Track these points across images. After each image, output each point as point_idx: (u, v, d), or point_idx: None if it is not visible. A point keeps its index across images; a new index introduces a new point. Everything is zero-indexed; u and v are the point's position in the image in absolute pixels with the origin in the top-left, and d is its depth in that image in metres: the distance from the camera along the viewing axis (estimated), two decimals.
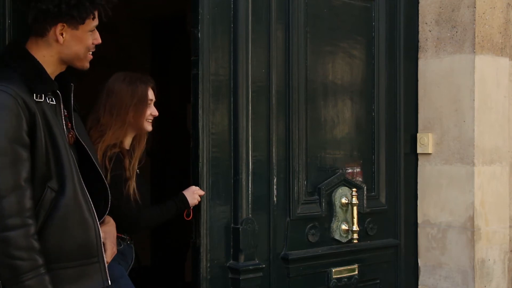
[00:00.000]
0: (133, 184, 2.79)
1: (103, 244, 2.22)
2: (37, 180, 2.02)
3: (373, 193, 3.45)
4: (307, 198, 3.18)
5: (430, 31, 3.59)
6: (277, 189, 3.05)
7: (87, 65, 2.24)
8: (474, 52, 3.42)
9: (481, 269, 3.44)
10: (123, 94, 2.81)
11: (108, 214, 2.33)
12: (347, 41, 3.36)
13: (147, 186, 3.34)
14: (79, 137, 2.23)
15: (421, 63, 3.63)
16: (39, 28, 2.13)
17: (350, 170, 3.36)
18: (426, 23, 3.60)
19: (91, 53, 2.24)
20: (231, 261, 2.91)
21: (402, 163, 3.57)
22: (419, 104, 3.63)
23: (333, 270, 3.25)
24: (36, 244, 1.96)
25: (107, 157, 2.73)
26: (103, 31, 2.30)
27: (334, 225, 3.26)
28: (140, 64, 6.02)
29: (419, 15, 3.63)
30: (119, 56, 5.40)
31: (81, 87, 2.50)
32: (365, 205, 3.36)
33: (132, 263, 2.96)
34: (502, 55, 3.55)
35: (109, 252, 2.31)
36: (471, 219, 3.42)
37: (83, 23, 2.15)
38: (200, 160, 2.83)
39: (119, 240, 2.82)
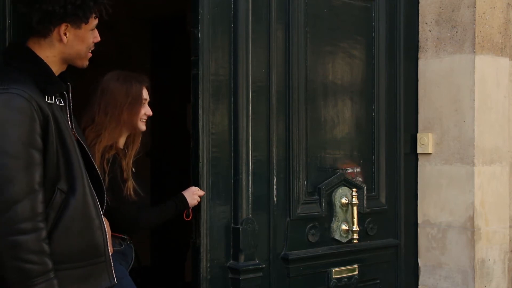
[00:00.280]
0: (131, 184, 2.79)
1: None
2: (48, 182, 2.03)
3: (373, 193, 3.45)
4: (307, 198, 3.18)
5: (430, 31, 3.59)
6: (277, 189, 3.05)
7: (86, 63, 2.25)
8: (474, 52, 3.42)
9: (481, 269, 3.44)
10: (118, 93, 2.80)
11: (107, 215, 2.33)
12: (347, 41, 3.36)
13: (147, 186, 3.35)
14: (79, 138, 2.23)
15: (421, 63, 3.63)
16: (42, 29, 2.12)
17: (350, 170, 3.36)
18: (426, 23, 3.60)
19: (90, 51, 2.25)
20: (231, 261, 2.91)
21: (402, 163, 3.57)
22: (419, 104, 3.63)
23: (333, 270, 3.25)
24: (47, 248, 1.97)
25: (105, 159, 2.73)
26: (103, 31, 2.31)
27: (334, 225, 3.26)
28: (140, 64, 6.02)
29: (419, 15, 3.63)
30: (119, 55, 5.40)
31: (81, 87, 2.50)
32: (365, 205, 3.36)
33: (132, 263, 2.97)
34: (502, 55, 3.55)
35: None
36: (471, 219, 3.42)
37: (87, 22, 2.16)
38: (200, 160, 2.83)
39: (120, 240, 2.82)
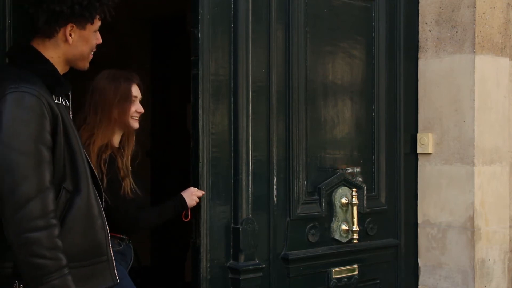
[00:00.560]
0: (129, 183, 2.80)
1: None
2: (54, 181, 2.04)
3: (373, 193, 3.45)
4: (307, 198, 3.18)
5: (430, 31, 3.59)
6: (277, 189, 3.05)
7: (87, 65, 2.27)
8: (474, 52, 3.42)
9: (481, 269, 3.44)
10: (107, 92, 2.81)
11: (106, 215, 2.33)
12: (347, 41, 3.36)
13: (147, 186, 3.35)
14: (77, 138, 2.24)
15: (421, 63, 3.63)
16: (48, 29, 2.14)
17: (350, 170, 3.36)
18: (426, 23, 3.60)
19: (92, 53, 2.27)
20: (231, 261, 2.91)
21: (402, 163, 3.57)
22: (419, 104, 3.63)
23: (333, 270, 3.25)
24: (60, 244, 1.98)
25: (102, 159, 2.73)
26: (103, 31, 2.31)
27: (334, 225, 3.26)
28: (140, 64, 6.02)
29: (419, 15, 3.63)
30: (119, 56, 5.40)
31: (81, 87, 2.50)
32: (365, 205, 3.36)
33: (131, 263, 2.97)
34: (502, 55, 3.55)
35: None
36: (471, 219, 3.42)
37: (93, 23, 2.18)
38: (200, 160, 2.83)
39: (118, 240, 2.83)
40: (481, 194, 3.45)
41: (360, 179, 3.39)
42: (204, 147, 2.84)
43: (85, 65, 2.25)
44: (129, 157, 2.88)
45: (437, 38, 3.56)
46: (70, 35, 2.16)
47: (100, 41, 2.26)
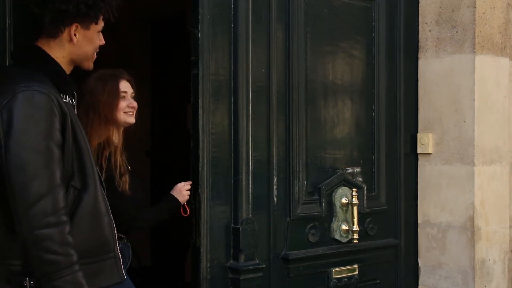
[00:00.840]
0: (126, 180, 2.83)
1: None
2: (64, 179, 2.07)
3: (373, 193, 3.45)
4: (307, 198, 3.18)
5: (430, 31, 3.59)
6: (277, 189, 3.05)
7: (92, 65, 2.31)
8: (474, 52, 3.42)
9: (481, 269, 3.44)
10: (95, 92, 2.85)
11: None
12: (347, 41, 3.36)
13: (147, 186, 3.35)
14: (84, 136, 2.27)
15: (421, 63, 3.63)
16: (53, 29, 2.17)
17: (350, 170, 3.36)
18: (426, 23, 3.60)
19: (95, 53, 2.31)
20: (231, 261, 2.91)
21: (402, 163, 3.57)
22: (419, 104, 3.63)
23: (333, 270, 3.25)
24: (71, 241, 2.01)
25: (103, 157, 2.76)
26: (103, 31, 2.32)
27: (334, 225, 3.26)
28: (140, 64, 6.02)
29: (419, 15, 3.63)
30: (119, 56, 5.40)
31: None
32: (365, 205, 3.36)
33: (130, 262, 2.98)
34: (502, 55, 3.55)
35: None
36: (471, 219, 3.42)
37: (97, 23, 2.22)
38: (200, 160, 2.83)
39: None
40: (481, 194, 3.45)
41: (360, 179, 3.39)
42: (204, 147, 2.84)
43: (89, 65, 2.29)
44: (119, 152, 2.89)
45: (437, 38, 3.56)
46: (75, 35, 2.19)
47: (103, 42, 2.29)
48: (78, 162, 2.12)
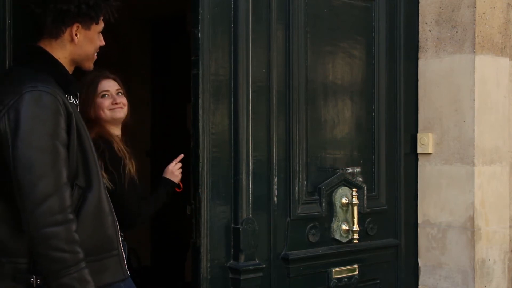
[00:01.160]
0: (134, 164, 2.93)
1: None
2: (69, 178, 2.10)
3: (373, 193, 3.45)
4: (307, 198, 3.18)
5: (430, 31, 3.59)
6: (277, 189, 3.05)
7: (92, 65, 2.33)
8: (474, 52, 3.42)
9: (481, 269, 3.44)
10: (82, 96, 2.88)
11: None
12: (347, 41, 3.36)
13: (147, 186, 3.36)
14: (88, 135, 2.30)
15: (421, 63, 3.63)
16: (54, 29, 2.19)
17: (350, 170, 3.36)
18: (426, 23, 3.60)
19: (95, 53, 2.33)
20: (231, 261, 2.91)
21: (402, 163, 3.56)
22: (419, 104, 3.63)
23: (333, 270, 3.25)
24: (78, 239, 2.04)
25: (99, 151, 2.80)
26: (103, 31, 2.32)
27: (334, 225, 3.26)
28: (140, 64, 6.02)
29: (419, 15, 3.63)
30: (119, 56, 5.40)
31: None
32: (365, 205, 3.36)
33: (126, 259, 2.99)
34: (502, 55, 3.55)
35: None
36: (471, 219, 3.43)
37: (98, 23, 2.24)
38: (200, 160, 2.83)
39: None
40: (481, 194, 3.45)
41: (360, 179, 3.39)
42: (204, 147, 2.84)
43: (90, 65, 2.31)
44: (123, 141, 2.99)
45: (437, 38, 3.56)
46: (76, 35, 2.21)
47: (103, 43, 2.31)
48: (83, 161, 2.15)
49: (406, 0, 3.57)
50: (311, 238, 3.18)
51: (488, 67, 3.47)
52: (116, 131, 2.99)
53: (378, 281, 3.47)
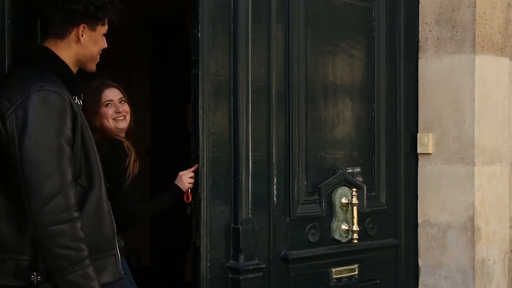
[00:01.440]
0: (138, 165, 2.95)
1: None
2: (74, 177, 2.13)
3: (373, 193, 3.45)
4: (307, 198, 3.18)
5: (430, 31, 3.59)
6: (277, 189, 3.05)
7: (95, 67, 2.35)
8: (474, 52, 3.42)
9: (481, 269, 3.44)
10: (87, 104, 2.89)
11: None
12: (347, 41, 3.36)
13: (147, 186, 3.36)
14: (91, 136, 2.32)
15: (421, 63, 3.63)
16: (61, 29, 2.22)
17: (350, 170, 3.35)
18: (426, 23, 3.60)
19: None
20: (231, 261, 2.91)
21: (402, 163, 3.56)
22: (419, 104, 3.63)
23: (333, 270, 3.25)
24: (83, 236, 2.07)
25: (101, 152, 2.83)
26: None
27: (334, 225, 3.26)
28: (140, 64, 6.02)
29: (419, 15, 3.63)
30: (120, 56, 5.40)
31: None
32: (365, 205, 3.36)
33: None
34: (502, 55, 3.55)
35: None
36: (471, 219, 3.42)
37: (103, 24, 2.28)
38: (200, 160, 2.83)
39: None
40: (481, 194, 3.44)
41: (360, 179, 3.39)
42: (204, 147, 2.84)
43: (93, 67, 2.34)
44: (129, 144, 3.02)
45: (437, 38, 3.56)
46: (82, 35, 2.23)
47: (106, 45, 2.34)
48: (85, 161, 2.17)
49: (406, 0, 3.57)
50: (311, 238, 3.18)
51: (488, 67, 3.47)
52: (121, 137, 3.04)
53: (378, 281, 3.47)
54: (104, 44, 2.33)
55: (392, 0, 3.52)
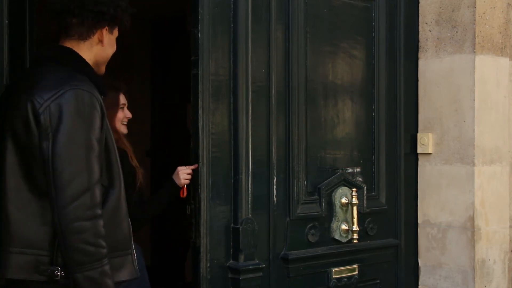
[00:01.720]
0: (142, 172, 3.05)
1: None
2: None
3: (373, 193, 3.45)
4: (307, 198, 3.18)
5: (430, 31, 3.59)
6: (277, 189, 3.05)
7: (104, 70, 2.41)
8: (474, 52, 3.42)
9: (481, 269, 3.44)
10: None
11: None
12: (347, 41, 3.36)
13: (147, 185, 3.36)
14: (112, 136, 2.37)
15: (421, 63, 3.63)
16: (85, 31, 2.26)
17: (350, 170, 3.35)
18: (426, 23, 3.60)
19: None
20: (231, 261, 2.91)
21: (402, 163, 3.56)
22: (419, 104, 3.63)
23: (333, 270, 3.25)
24: (104, 234, 2.12)
25: None
26: None
27: (334, 225, 3.26)
28: (140, 64, 6.03)
29: (419, 15, 3.63)
30: (119, 56, 5.39)
31: None
32: (365, 205, 3.36)
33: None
34: (502, 55, 3.55)
35: None
36: (471, 219, 3.42)
37: (122, 28, 2.34)
38: (200, 160, 2.83)
39: None
40: (481, 194, 3.44)
41: (360, 179, 3.39)
42: (204, 147, 2.84)
43: (103, 69, 2.39)
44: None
45: (437, 38, 3.56)
46: (104, 37, 2.29)
47: (115, 48, 2.39)
48: (106, 160, 2.21)
49: (406, 0, 3.57)
50: (310, 238, 3.18)
51: (488, 67, 3.47)
52: (126, 142, 3.11)
53: (378, 281, 3.47)
54: (115, 47, 2.38)
55: (392, 0, 3.52)
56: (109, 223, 2.17)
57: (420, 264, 3.63)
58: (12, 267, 2.12)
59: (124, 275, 2.23)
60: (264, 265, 2.98)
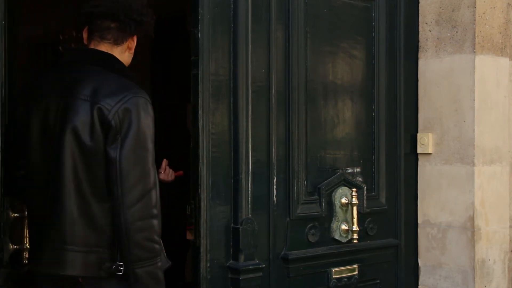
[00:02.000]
0: None
1: None
2: None
3: (373, 193, 3.45)
4: (307, 198, 3.18)
5: (430, 31, 3.59)
6: (277, 189, 3.05)
7: None
8: (474, 52, 3.42)
9: (481, 269, 3.44)
10: None
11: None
12: (347, 41, 3.36)
13: None
14: None
15: (421, 63, 3.63)
16: (121, 36, 2.40)
17: (350, 170, 3.35)
18: (426, 23, 3.60)
19: None
20: (231, 261, 2.91)
21: (402, 163, 3.56)
22: (419, 104, 3.63)
23: (333, 270, 3.25)
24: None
25: None
26: None
27: (334, 225, 3.26)
28: (140, 64, 6.01)
29: (419, 15, 3.63)
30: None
31: None
32: (365, 205, 3.36)
33: None
34: (502, 55, 3.55)
35: None
36: (471, 219, 3.42)
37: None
38: (200, 160, 2.83)
39: None
40: (481, 194, 3.44)
41: (360, 179, 3.39)
42: (204, 147, 2.84)
43: None
44: None
45: (437, 38, 3.56)
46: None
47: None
48: None
49: (406, 0, 3.57)
50: (310, 238, 3.18)
51: (488, 67, 3.47)
52: None
53: (378, 281, 3.47)
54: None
55: (392, 0, 3.52)
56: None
57: (420, 264, 3.63)
58: (78, 266, 2.25)
59: (163, 266, 2.37)
60: (264, 265, 2.98)
